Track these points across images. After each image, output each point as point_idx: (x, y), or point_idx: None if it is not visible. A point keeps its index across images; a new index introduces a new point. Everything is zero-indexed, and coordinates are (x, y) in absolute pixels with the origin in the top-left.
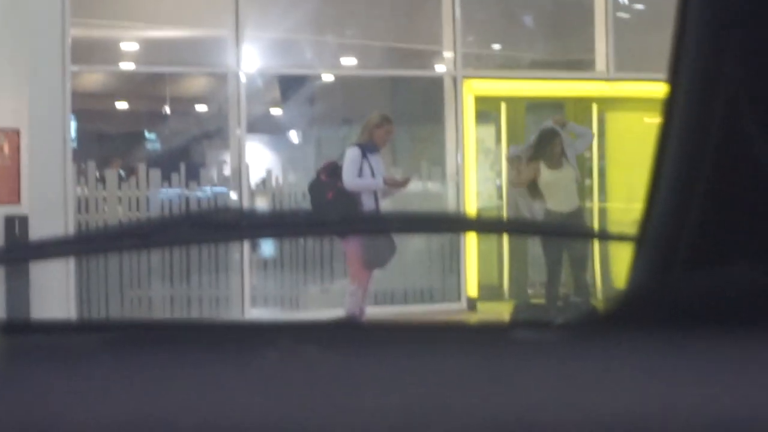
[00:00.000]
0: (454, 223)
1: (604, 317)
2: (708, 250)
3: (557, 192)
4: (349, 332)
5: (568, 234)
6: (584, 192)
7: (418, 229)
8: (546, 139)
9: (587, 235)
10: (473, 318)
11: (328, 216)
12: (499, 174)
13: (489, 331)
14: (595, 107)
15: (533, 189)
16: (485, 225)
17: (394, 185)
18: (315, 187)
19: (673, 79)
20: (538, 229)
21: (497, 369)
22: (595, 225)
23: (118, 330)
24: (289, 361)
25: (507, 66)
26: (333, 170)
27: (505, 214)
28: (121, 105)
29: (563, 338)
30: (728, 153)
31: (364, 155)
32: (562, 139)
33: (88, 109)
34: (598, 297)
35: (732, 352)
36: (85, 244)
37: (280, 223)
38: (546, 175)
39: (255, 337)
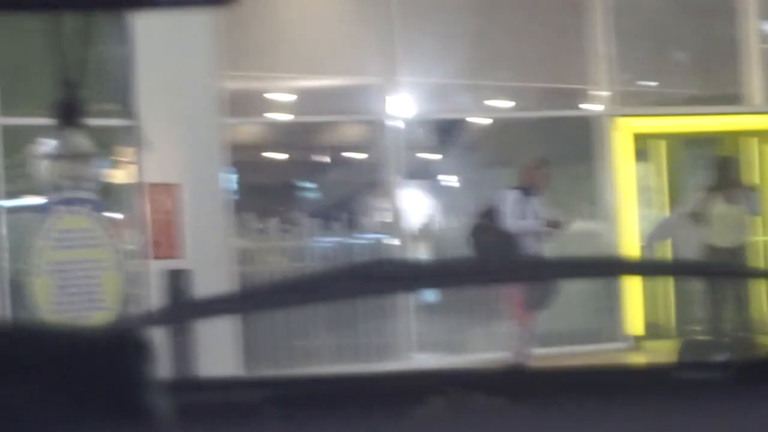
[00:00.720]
0: (615, 267)
1: None
2: None
3: (725, 226)
4: (515, 379)
5: (731, 275)
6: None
7: (580, 274)
8: (723, 167)
9: (751, 274)
10: (638, 358)
11: (490, 264)
12: (661, 211)
13: (656, 373)
14: (756, 141)
15: (699, 218)
16: (646, 268)
17: (556, 226)
18: (476, 232)
19: None
20: (699, 271)
21: (666, 411)
22: (762, 260)
23: (284, 386)
24: (457, 410)
25: (659, 103)
26: (493, 214)
27: (669, 251)
28: (279, 156)
29: (731, 378)
30: None
31: (524, 197)
32: (739, 168)
33: (246, 161)
34: (765, 333)
35: None
36: (251, 302)
37: (444, 273)
38: (720, 207)
39: (423, 386)
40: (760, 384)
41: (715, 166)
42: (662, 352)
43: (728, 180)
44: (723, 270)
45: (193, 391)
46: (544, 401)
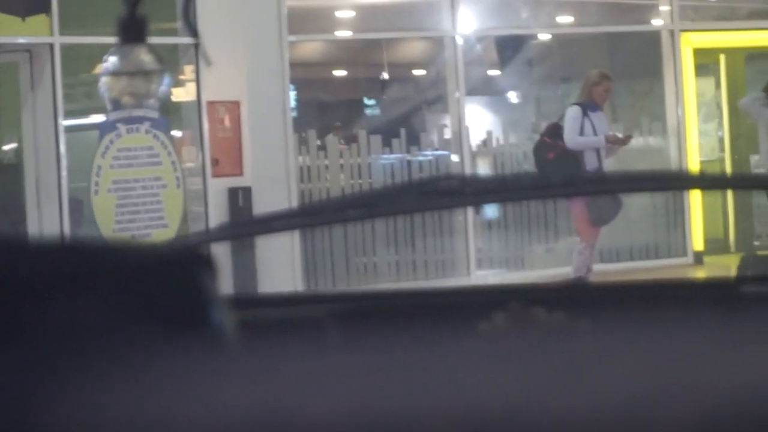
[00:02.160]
0: (678, 181)
1: None
2: None
3: None
4: (577, 293)
5: None
6: None
7: (643, 188)
8: None
9: None
10: (700, 272)
11: (551, 178)
12: (720, 126)
13: (717, 287)
14: None
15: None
16: (709, 181)
17: (616, 142)
18: (538, 149)
19: None
20: (762, 183)
21: (727, 324)
22: None
23: (345, 301)
24: (519, 324)
25: (724, 17)
26: (555, 131)
27: (727, 166)
28: (339, 73)
29: None
30: None
31: (584, 114)
32: None
33: (307, 78)
34: None
35: None
36: (311, 217)
37: (504, 189)
38: None
39: (485, 301)
40: None
41: None
42: (723, 267)
43: None
44: None
45: (255, 307)
46: (605, 315)
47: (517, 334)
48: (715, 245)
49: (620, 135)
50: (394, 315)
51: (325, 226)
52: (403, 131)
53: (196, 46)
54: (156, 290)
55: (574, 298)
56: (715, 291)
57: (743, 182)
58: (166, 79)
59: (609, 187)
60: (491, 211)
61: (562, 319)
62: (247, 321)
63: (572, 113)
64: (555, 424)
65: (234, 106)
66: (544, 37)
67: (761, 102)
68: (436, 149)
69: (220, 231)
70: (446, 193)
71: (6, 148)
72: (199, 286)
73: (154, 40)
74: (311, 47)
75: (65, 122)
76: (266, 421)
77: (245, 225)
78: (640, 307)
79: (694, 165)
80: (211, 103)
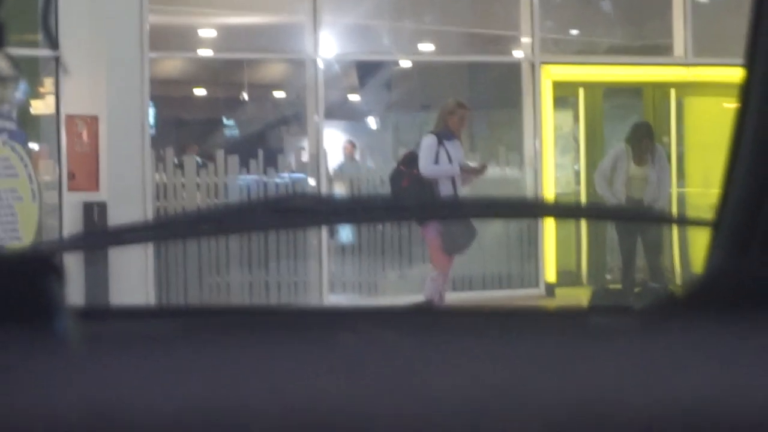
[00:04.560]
0: (531, 208)
1: (681, 302)
2: None
3: (636, 184)
4: (427, 318)
5: (645, 219)
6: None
7: (496, 214)
8: (637, 134)
9: (664, 220)
10: (551, 303)
11: (406, 201)
12: (576, 159)
13: (566, 317)
14: (673, 92)
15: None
16: (563, 210)
17: (471, 172)
18: (394, 177)
19: (750, 64)
20: (615, 215)
21: (574, 354)
22: (674, 210)
23: (196, 316)
24: (367, 346)
25: (585, 51)
26: (411, 159)
27: (582, 199)
28: (200, 91)
29: (640, 324)
30: None
31: (440, 142)
32: (653, 138)
33: (167, 95)
34: (677, 282)
35: None
36: (164, 230)
37: (358, 208)
38: (631, 168)
39: (333, 323)
40: (665, 329)
41: (630, 129)
42: (574, 299)
43: (640, 143)
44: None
45: (105, 319)
46: (453, 340)
47: (363, 357)
48: (568, 277)
49: (476, 164)
50: (241, 331)
51: (179, 239)
52: (261, 152)
53: (57, 58)
54: (2, 294)
55: (424, 323)
56: (564, 321)
57: (596, 213)
58: (23, 86)
59: (462, 211)
60: (346, 235)
61: (411, 343)
62: (96, 331)
63: (427, 142)
64: (385, 426)
65: (93, 121)
66: (405, 63)
67: (623, 153)
68: (294, 171)
69: (73, 241)
70: (299, 211)
71: None
72: (47, 294)
73: (13, 50)
74: (172, 65)
75: None
76: (98, 420)
77: (98, 236)
78: (487, 334)
79: (549, 197)
80: (69, 117)
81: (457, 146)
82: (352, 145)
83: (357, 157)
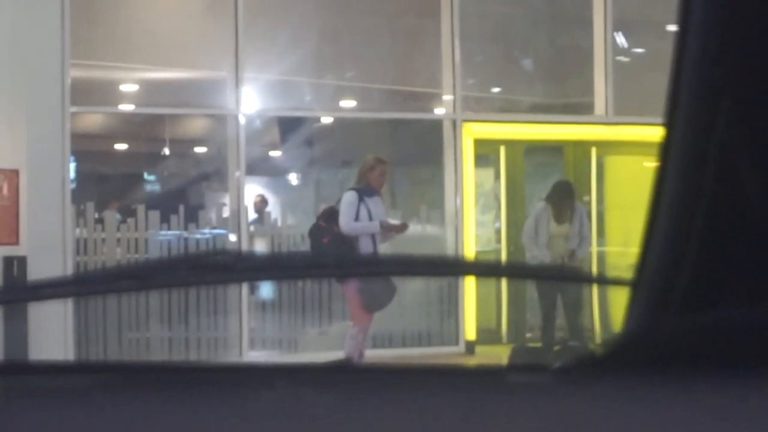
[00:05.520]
0: (451, 267)
1: (600, 361)
2: (704, 293)
3: (557, 242)
4: (346, 375)
5: (564, 278)
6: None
7: (416, 272)
8: (557, 192)
9: (584, 279)
10: (471, 361)
11: (326, 259)
12: (497, 217)
13: (486, 375)
14: (594, 150)
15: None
16: (482, 268)
17: (392, 230)
18: (314, 233)
19: (670, 124)
20: (534, 273)
21: (493, 412)
22: (593, 269)
23: (115, 371)
24: (285, 404)
25: (506, 109)
26: (330, 215)
27: (503, 257)
28: (121, 146)
29: (559, 382)
30: (723, 197)
31: (361, 198)
32: (573, 196)
33: (88, 149)
34: (596, 341)
35: (730, 394)
36: (83, 286)
37: (277, 266)
38: (552, 226)
39: (252, 380)
40: (583, 387)
41: (551, 188)
42: (494, 357)
43: (561, 202)
44: (557, 273)
45: (23, 374)
46: (372, 398)
47: (282, 414)
48: (488, 335)
49: (397, 222)
50: (160, 387)
51: (98, 295)
52: (182, 207)
53: None
54: None
55: (343, 380)
56: (483, 378)
57: (516, 272)
58: None
59: (382, 269)
60: (266, 291)
61: (329, 401)
62: (14, 386)
63: (348, 198)
64: None
65: (13, 174)
66: (326, 120)
67: (544, 211)
68: (214, 227)
69: None
70: (219, 267)
71: None
72: None
73: None
74: (94, 119)
75: None
76: None
77: (17, 290)
78: (406, 391)
79: (470, 254)
80: None
81: (378, 202)
82: (262, 199)
83: (268, 211)
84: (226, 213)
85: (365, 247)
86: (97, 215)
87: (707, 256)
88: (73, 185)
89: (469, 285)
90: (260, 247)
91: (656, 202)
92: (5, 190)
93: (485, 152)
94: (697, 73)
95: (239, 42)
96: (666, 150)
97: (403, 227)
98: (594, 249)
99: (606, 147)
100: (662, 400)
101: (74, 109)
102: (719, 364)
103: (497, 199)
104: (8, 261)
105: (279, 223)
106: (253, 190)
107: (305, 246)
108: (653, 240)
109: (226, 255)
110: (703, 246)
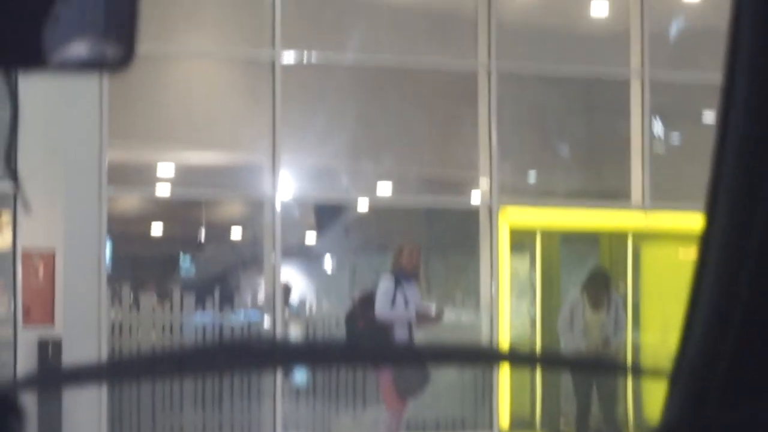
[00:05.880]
0: (486, 356)
1: None
2: (743, 386)
3: (592, 331)
4: None
5: (600, 368)
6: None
7: (451, 361)
8: (593, 280)
9: (620, 369)
10: None
11: (361, 345)
12: (532, 304)
13: None
14: (630, 239)
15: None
16: (518, 357)
17: (426, 321)
18: (349, 318)
19: (710, 213)
20: (571, 363)
21: None
22: (629, 359)
23: None
24: None
25: (543, 195)
26: (366, 301)
27: (538, 345)
28: (157, 229)
29: None
30: (762, 292)
31: (398, 283)
32: (609, 284)
33: (124, 232)
34: (630, 430)
35: None
36: (119, 371)
37: (313, 353)
38: (587, 314)
39: None
40: None
41: (587, 276)
42: None
43: (597, 290)
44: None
45: None
46: None
47: None
48: (521, 422)
49: (432, 311)
50: None
51: (133, 380)
52: (217, 291)
53: (15, 192)
54: None
55: None
56: None
57: (551, 361)
58: None
59: (416, 357)
60: (300, 376)
61: None
62: None
63: (385, 284)
64: None
65: (49, 256)
66: (363, 205)
67: (579, 301)
68: (251, 311)
69: (27, 379)
70: (256, 354)
71: None
72: None
73: None
74: (130, 202)
75: None
76: None
77: (53, 374)
78: None
79: (505, 342)
80: (26, 251)
81: (414, 289)
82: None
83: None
84: (261, 297)
85: (400, 333)
86: (132, 298)
87: (746, 350)
88: (108, 268)
89: (504, 372)
90: (295, 332)
91: (695, 293)
92: (41, 271)
93: (521, 240)
94: (738, 161)
95: (276, 126)
96: (705, 239)
97: (437, 318)
98: (629, 338)
99: (642, 236)
100: None
101: (111, 190)
102: None
103: (533, 286)
104: (43, 343)
105: (314, 308)
106: (288, 274)
107: (340, 331)
108: (692, 331)
109: (262, 341)
110: (744, 337)
